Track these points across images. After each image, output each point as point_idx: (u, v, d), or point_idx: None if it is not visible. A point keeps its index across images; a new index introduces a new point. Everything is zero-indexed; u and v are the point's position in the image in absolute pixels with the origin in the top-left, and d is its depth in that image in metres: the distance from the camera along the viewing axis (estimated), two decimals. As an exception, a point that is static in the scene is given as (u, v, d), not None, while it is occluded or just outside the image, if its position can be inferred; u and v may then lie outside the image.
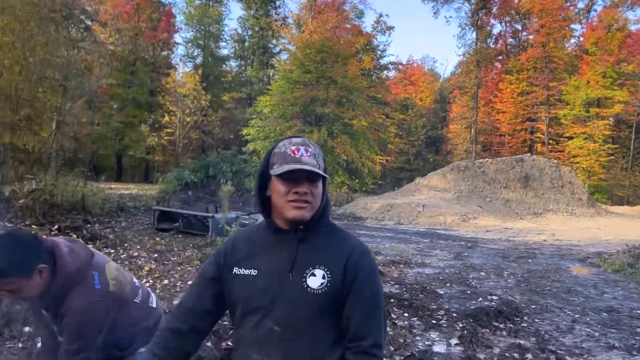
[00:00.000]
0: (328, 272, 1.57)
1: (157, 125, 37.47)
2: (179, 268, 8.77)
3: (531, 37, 44.10)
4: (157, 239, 11.00)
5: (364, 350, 1.55)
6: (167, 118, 37.92)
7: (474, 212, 22.13)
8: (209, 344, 4.76)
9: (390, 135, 38.94)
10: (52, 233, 10.63)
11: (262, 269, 1.63)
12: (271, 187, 1.63)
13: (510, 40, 47.71)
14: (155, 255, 9.15)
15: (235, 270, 1.66)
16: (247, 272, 1.65)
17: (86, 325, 2.19)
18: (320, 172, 1.59)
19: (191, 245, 10.58)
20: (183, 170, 22.41)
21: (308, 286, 1.56)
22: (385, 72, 47.84)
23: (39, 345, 2.51)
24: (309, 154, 1.59)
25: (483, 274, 9.70)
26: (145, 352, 1.74)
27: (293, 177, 1.58)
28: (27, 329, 5.01)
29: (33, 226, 11.56)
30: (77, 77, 16.64)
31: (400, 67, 50.66)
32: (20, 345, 4.72)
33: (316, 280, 1.57)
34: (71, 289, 2.18)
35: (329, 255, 1.61)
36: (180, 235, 11.67)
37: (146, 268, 7.96)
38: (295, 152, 1.59)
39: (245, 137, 29.09)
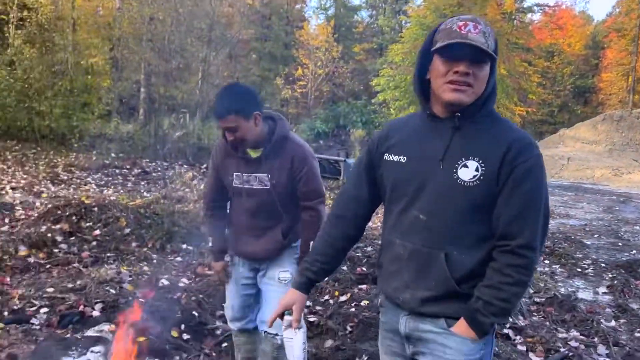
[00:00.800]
0: (482, 165, 1.46)
1: (290, 78, 38.59)
2: (313, 206, 9.17)
3: None
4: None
5: (512, 249, 1.45)
6: (300, 71, 38.81)
7: (629, 166, 19.88)
8: (344, 267, 4.95)
9: (532, 84, 35.80)
10: (201, 171, 11.65)
11: (412, 156, 1.58)
12: (431, 67, 1.53)
13: (686, -30, 40.71)
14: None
15: (386, 156, 1.65)
16: (396, 158, 1.62)
17: (315, 164, 2.54)
18: (488, 50, 1.42)
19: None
20: (315, 121, 23.02)
21: (459, 177, 1.48)
22: (529, 15, 43.65)
23: (210, 244, 2.87)
24: (477, 30, 1.43)
25: (638, 227, 8.78)
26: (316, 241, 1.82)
27: (454, 55, 1.44)
28: (184, 245, 5.62)
29: (184, 166, 12.77)
30: (221, 28, 17.67)
31: (547, 9, 45.87)
32: (179, 258, 5.32)
33: (468, 172, 1.47)
34: (290, 133, 2.56)
35: (486, 146, 1.49)
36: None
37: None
38: (462, 27, 1.44)
39: (374, 87, 28.82)
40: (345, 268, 4.88)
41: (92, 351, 1.69)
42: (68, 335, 2.67)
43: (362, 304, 4.08)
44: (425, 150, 1.56)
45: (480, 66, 1.46)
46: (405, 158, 1.60)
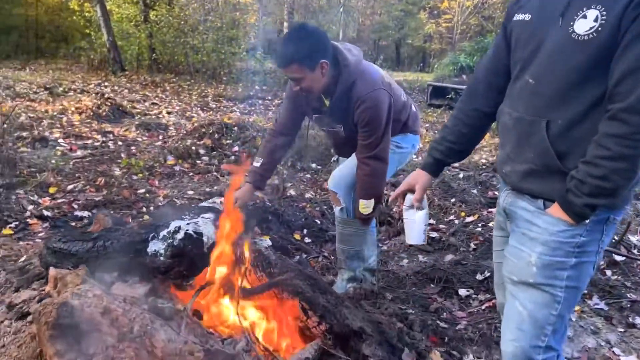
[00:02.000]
0: (604, 13, 1.20)
1: (435, 12, 36.69)
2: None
3: None
4: (429, 112, 11.15)
5: (614, 114, 1.20)
6: (445, 3, 36.62)
7: None
8: (474, 190, 4.68)
9: None
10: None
11: (535, 13, 1.38)
12: None
13: None
14: (427, 125, 9.29)
15: (515, 16, 1.45)
16: (521, 17, 1.42)
17: (376, 113, 2.33)
18: None
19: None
20: (459, 55, 21.70)
21: (573, 31, 1.25)
22: None
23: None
24: None
25: None
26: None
27: None
28: (314, 165, 5.75)
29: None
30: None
31: None
32: (308, 175, 5.47)
33: (585, 23, 1.23)
34: (355, 81, 2.33)
35: None
36: (451, 111, 11.59)
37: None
38: None
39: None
40: (475, 191, 4.62)
41: (202, 217, 1.77)
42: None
43: (490, 224, 3.84)
44: (547, 5, 1.35)
45: None
46: (529, 16, 1.41)
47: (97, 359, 1.27)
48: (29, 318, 1.44)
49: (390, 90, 2.43)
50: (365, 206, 2.46)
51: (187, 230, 1.70)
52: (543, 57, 1.33)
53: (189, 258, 1.70)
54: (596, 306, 2.74)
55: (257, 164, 2.59)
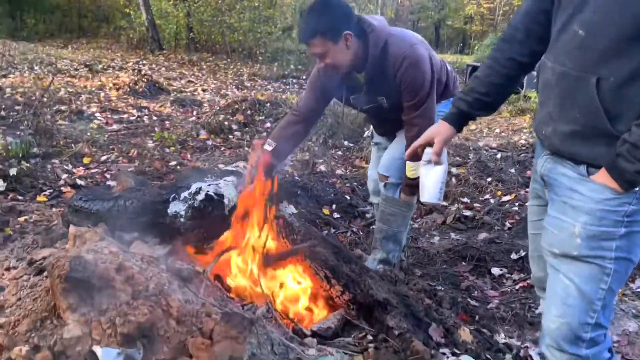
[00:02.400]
0: None
1: (477, -8, 35.60)
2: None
3: None
4: (468, 93, 10.86)
5: None
6: (488, -17, 35.47)
7: None
8: (512, 170, 4.51)
9: None
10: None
11: None
12: None
13: None
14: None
15: None
16: None
17: (420, 69, 2.21)
18: None
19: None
20: (501, 36, 21.06)
21: None
22: None
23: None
24: None
25: None
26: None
27: None
28: (346, 142, 5.67)
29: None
30: None
31: None
32: (340, 153, 5.39)
33: None
34: (387, 40, 2.21)
35: None
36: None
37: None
38: None
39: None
40: (512, 170, 4.45)
41: (224, 179, 1.72)
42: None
43: (527, 204, 3.68)
44: None
45: None
46: None
47: (110, 315, 1.24)
48: (46, 273, 1.43)
49: (425, 46, 2.31)
50: (413, 168, 2.35)
51: (208, 191, 1.65)
52: (596, 5, 1.18)
53: (210, 220, 1.66)
54: (639, 289, 2.58)
55: (268, 147, 2.38)
